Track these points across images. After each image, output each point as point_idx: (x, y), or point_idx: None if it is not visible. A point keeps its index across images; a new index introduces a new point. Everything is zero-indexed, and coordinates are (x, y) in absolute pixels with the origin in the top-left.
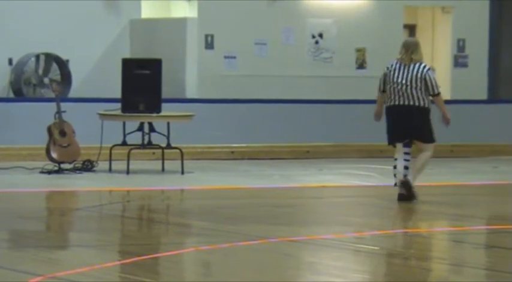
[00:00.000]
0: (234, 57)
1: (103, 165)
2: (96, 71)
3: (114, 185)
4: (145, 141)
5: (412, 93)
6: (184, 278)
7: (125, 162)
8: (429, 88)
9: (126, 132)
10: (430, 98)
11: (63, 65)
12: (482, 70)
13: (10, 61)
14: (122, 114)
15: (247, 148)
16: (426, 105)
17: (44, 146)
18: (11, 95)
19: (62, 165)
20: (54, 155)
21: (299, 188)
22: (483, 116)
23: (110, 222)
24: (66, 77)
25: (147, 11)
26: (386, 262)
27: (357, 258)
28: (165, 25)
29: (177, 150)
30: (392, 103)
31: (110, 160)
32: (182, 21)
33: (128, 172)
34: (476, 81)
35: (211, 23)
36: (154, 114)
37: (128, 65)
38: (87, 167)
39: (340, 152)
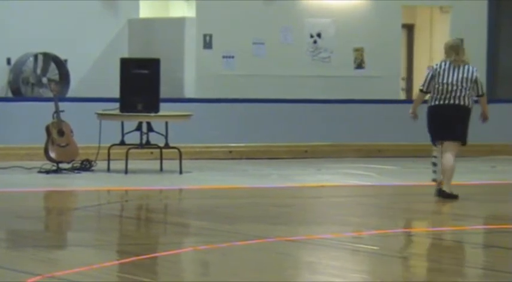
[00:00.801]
0: (232, 57)
1: (101, 164)
2: (95, 71)
3: (113, 185)
4: (144, 141)
5: (461, 94)
6: (183, 277)
7: (123, 161)
8: (478, 89)
9: (125, 131)
10: (475, 98)
11: (61, 64)
12: (481, 70)
13: (8, 61)
14: (120, 113)
15: (246, 148)
16: (471, 106)
17: (42, 145)
18: (9, 95)
19: (60, 165)
20: (52, 154)
21: (297, 187)
22: None
23: (108, 221)
24: (64, 77)
25: (145, 11)
26: (385, 262)
27: (355, 258)
28: (163, 25)
29: (175, 150)
30: (439, 102)
31: (108, 160)
32: (180, 21)
33: (126, 172)
34: None
35: (209, 22)
36: (153, 114)
37: (126, 65)
38: (86, 166)
39: (338, 152)
